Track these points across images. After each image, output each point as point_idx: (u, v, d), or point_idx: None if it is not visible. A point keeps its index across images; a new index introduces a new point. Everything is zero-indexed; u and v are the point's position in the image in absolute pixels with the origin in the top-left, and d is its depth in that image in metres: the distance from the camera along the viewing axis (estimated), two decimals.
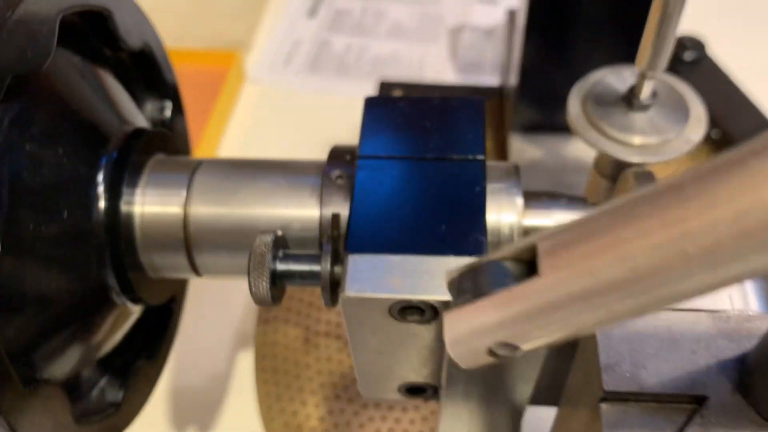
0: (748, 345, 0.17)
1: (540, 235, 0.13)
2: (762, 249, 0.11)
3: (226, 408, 0.43)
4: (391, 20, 0.75)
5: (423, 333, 0.23)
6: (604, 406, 0.17)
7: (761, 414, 0.16)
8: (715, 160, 0.11)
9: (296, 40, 0.73)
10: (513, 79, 0.46)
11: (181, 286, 0.33)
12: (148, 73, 0.32)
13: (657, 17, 0.27)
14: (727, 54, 0.54)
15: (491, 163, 0.25)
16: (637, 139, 0.30)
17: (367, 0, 0.77)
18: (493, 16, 0.72)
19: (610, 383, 0.17)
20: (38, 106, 0.24)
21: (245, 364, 0.44)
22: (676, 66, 0.52)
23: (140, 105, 0.32)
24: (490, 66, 0.67)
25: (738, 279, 0.12)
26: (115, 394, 0.30)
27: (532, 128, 0.46)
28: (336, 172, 0.25)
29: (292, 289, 0.46)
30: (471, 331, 0.14)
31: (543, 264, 0.13)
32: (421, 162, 0.24)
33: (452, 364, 0.18)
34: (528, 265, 0.14)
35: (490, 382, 0.21)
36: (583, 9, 0.42)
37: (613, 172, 0.32)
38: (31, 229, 0.23)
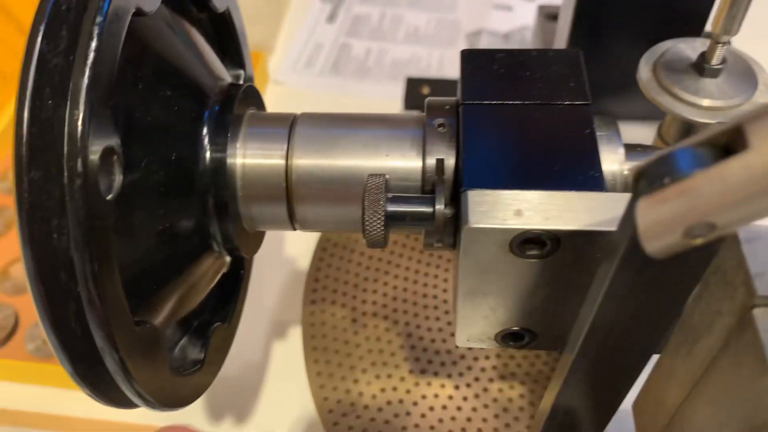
0: None
1: (741, 116, 0.14)
2: None
3: (277, 387, 0.43)
4: (408, 25, 0.76)
5: (537, 270, 0.23)
6: (757, 311, 0.18)
7: None
8: None
9: (317, 44, 0.74)
10: None
11: (257, 247, 0.32)
12: (226, 38, 0.32)
13: None
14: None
15: (596, 114, 0.26)
16: (706, 102, 0.31)
17: (385, 6, 0.79)
18: (510, 21, 0.74)
19: (762, 288, 0.17)
20: (148, 49, 0.24)
21: (293, 344, 0.44)
22: None
23: None
24: None
25: None
26: (196, 354, 0.29)
27: None
28: (438, 120, 0.26)
29: (338, 271, 0.46)
30: (671, 211, 0.14)
31: (753, 138, 0.13)
32: (528, 106, 0.25)
33: (611, 292, 0.18)
34: (721, 150, 0.14)
35: (637, 319, 0.21)
36: (621, 19, 0.44)
37: (679, 140, 0.33)
38: (143, 167, 0.23)
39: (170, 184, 0.24)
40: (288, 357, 0.44)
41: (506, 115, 0.24)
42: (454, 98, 0.27)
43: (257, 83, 0.67)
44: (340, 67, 0.72)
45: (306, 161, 0.26)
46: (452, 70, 0.70)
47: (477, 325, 0.26)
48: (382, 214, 0.23)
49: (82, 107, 0.20)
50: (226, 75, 0.30)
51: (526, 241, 0.22)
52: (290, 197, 0.26)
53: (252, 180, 0.26)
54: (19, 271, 0.48)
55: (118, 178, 0.21)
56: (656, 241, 0.15)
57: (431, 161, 0.25)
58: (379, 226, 0.23)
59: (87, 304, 0.21)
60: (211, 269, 0.28)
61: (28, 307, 0.46)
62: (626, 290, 0.18)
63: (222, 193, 0.26)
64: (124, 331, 0.22)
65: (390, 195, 0.24)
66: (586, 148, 0.23)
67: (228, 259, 0.28)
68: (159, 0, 0.24)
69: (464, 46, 0.73)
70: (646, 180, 0.15)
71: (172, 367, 0.27)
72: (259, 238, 0.30)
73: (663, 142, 0.34)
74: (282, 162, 0.26)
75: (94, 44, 0.20)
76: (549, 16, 0.53)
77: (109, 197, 0.21)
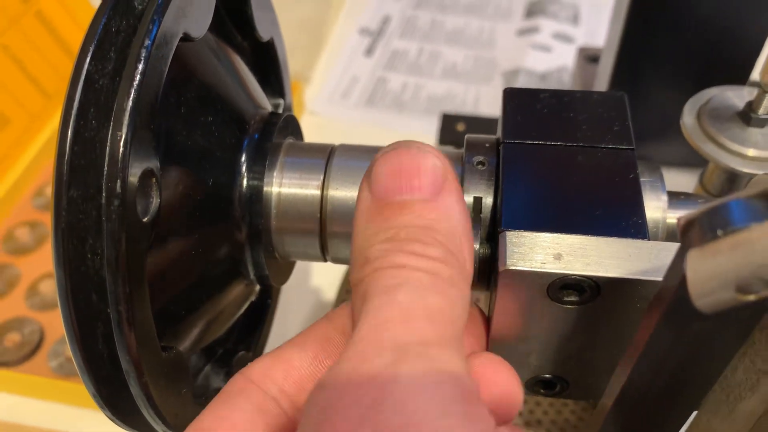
0: None
1: None
2: None
3: None
4: (446, 61, 0.77)
5: (574, 317, 0.22)
6: None
7: None
8: None
9: (354, 76, 0.75)
10: None
11: (287, 277, 0.32)
12: (268, 66, 0.32)
13: None
14: None
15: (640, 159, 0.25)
16: (752, 152, 0.30)
17: (423, 42, 0.79)
18: (548, 62, 0.74)
19: None
20: (192, 74, 0.25)
21: None
22: None
23: None
24: None
25: None
26: (219, 382, 0.29)
27: None
28: (477, 158, 0.25)
29: None
30: (724, 265, 0.13)
31: None
32: (571, 148, 0.24)
33: (652, 345, 0.17)
34: None
35: (678, 374, 0.20)
36: (668, 54, 0.43)
37: (723, 190, 0.33)
38: (180, 190, 0.23)
39: (206, 209, 0.24)
40: None
41: (548, 155, 0.24)
42: (494, 136, 0.27)
43: (293, 112, 0.68)
44: (376, 100, 0.72)
45: (342, 193, 0.26)
46: (488, 107, 0.70)
47: (529, 355, 0.25)
48: None
49: (125, 129, 0.20)
50: (266, 103, 0.30)
51: (565, 287, 0.21)
52: (323, 228, 0.26)
53: (287, 209, 0.26)
54: (49, 287, 0.48)
55: (156, 201, 0.21)
56: (707, 295, 0.14)
57: (469, 199, 0.25)
58: None
59: (116, 327, 0.20)
60: (240, 297, 0.28)
61: (53, 324, 0.46)
62: (669, 343, 0.18)
63: (257, 220, 0.26)
64: (151, 355, 0.22)
65: None
66: (629, 193, 0.23)
67: (257, 287, 0.28)
68: (206, 26, 0.24)
69: (501, 84, 0.73)
70: (698, 231, 0.14)
71: (195, 394, 0.27)
72: (289, 268, 0.30)
73: (704, 190, 0.34)
74: (318, 192, 0.26)
75: (141, 67, 0.20)
76: (589, 58, 0.53)
77: (145, 219, 0.21)
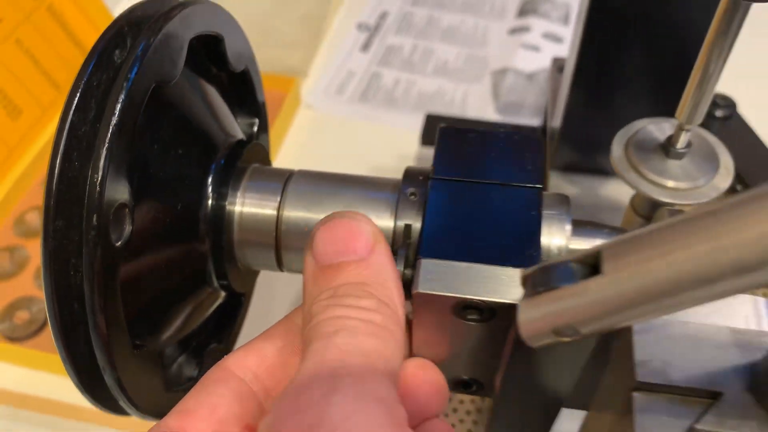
0: (759, 355, 0.21)
1: (603, 244, 0.17)
2: None
3: None
4: (438, 59, 0.80)
5: (479, 331, 0.27)
6: (636, 394, 0.21)
7: (764, 407, 0.20)
8: (743, 194, 0.15)
9: (350, 71, 0.78)
10: (556, 122, 0.51)
11: (252, 283, 0.37)
12: (243, 92, 0.36)
13: (698, 77, 0.31)
14: (757, 115, 0.58)
15: (546, 193, 0.29)
16: (671, 183, 0.34)
17: (418, 39, 0.82)
18: (537, 62, 0.76)
19: (642, 375, 0.21)
20: (166, 113, 0.29)
21: None
22: (707, 121, 0.56)
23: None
24: (530, 108, 0.72)
25: (756, 285, 0.15)
26: (191, 371, 0.34)
27: (571, 168, 0.50)
28: (410, 189, 0.29)
29: None
30: (542, 315, 0.17)
31: (606, 265, 0.17)
32: (487, 186, 0.28)
33: (514, 359, 0.22)
34: (591, 268, 0.18)
35: (539, 380, 0.24)
36: (626, 67, 0.46)
37: (647, 212, 0.36)
38: (150, 217, 0.27)
39: (174, 230, 0.28)
40: None
41: (467, 192, 0.28)
42: (429, 169, 0.30)
43: (289, 107, 0.71)
44: (369, 95, 0.75)
45: (295, 214, 0.30)
46: (473, 108, 0.73)
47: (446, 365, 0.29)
48: None
49: (100, 172, 0.24)
50: (237, 131, 0.34)
51: (467, 308, 0.26)
52: (278, 244, 0.30)
53: (247, 226, 0.30)
54: None
55: (128, 228, 0.26)
56: (531, 336, 0.18)
57: (401, 224, 0.29)
58: None
59: (93, 330, 0.25)
60: (207, 301, 0.32)
61: None
62: (526, 359, 0.22)
63: (220, 237, 0.30)
64: (123, 353, 0.26)
65: None
66: (529, 228, 0.27)
67: (222, 293, 0.33)
68: (179, 71, 0.28)
69: (489, 84, 0.76)
70: (530, 285, 0.18)
71: (168, 382, 0.31)
72: (252, 276, 0.34)
73: (634, 210, 0.37)
74: (274, 213, 0.30)
75: (114, 120, 0.24)
76: (560, 68, 0.56)
77: (118, 244, 0.25)
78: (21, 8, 0.65)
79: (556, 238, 0.28)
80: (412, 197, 0.29)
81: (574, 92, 0.48)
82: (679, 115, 0.33)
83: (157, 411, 0.29)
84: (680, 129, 0.33)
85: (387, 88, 0.76)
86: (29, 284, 0.53)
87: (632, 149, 0.35)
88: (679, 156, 0.34)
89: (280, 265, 0.31)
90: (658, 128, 0.35)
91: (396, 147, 0.70)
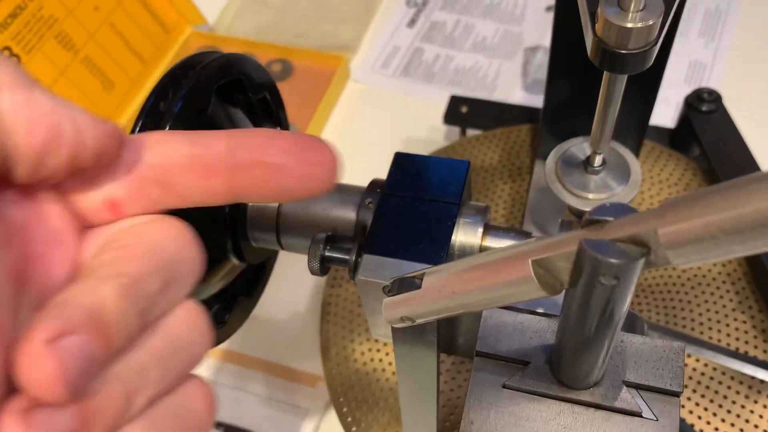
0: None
1: (430, 268, 0.28)
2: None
3: (297, 337, 0.60)
4: (477, 34, 0.87)
5: None
6: (476, 358, 0.31)
7: (555, 376, 0.30)
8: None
9: (395, 46, 0.87)
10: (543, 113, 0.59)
11: (274, 253, 0.49)
12: (266, 110, 0.48)
13: (599, 113, 0.39)
14: (741, 110, 0.64)
15: (472, 203, 0.39)
16: (590, 195, 0.43)
17: (461, 14, 0.89)
18: None
19: (480, 346, 0.31)
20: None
21: (314, 308, 0.61)
22: (692, 114, 0.62)
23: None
24: None
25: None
26: (222, 316, 0.47)
27: None
28: (368, 198, 0.40)
29: None
30: (394, 308, 0.28)
31: (423, 282, 0.27)
32: (419, 201, 0.38)
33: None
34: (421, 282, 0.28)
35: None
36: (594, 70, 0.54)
37: (577, 212, 0.46)
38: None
39: (205, 221, 0.41)
40: (310, 318, 0.61)
41: (403, 205, 0.38)
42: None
43: (338, 82, 0.82)
44: (410, 70, 0.84)
45: (290, 209, 0.42)
46: (504, 84, 0.81)
47: (376, 326, 0.41)
48: (319, 256, 0.38)
49: None
50: None
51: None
52: (278, 229, 0.42)
53: (256, 216, 0.42)
54: None
55: None
56: (390, 320, 0.29)
57: (360, 223, 0.40)
58: (315, 263, 0.39)
59: None
60: (230, 269, 0.45)
61: None
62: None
63: (237, 223, 0.42)
64: None
65: (329, 245, 0.39)
66: (443, 234, 0.37)
67: (240, 263, 0.45)
68: (210, 103, 0.40)
69: (521, 61, 0.83)
70: (388, 290, 0.29)
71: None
72: (264, 251, 0.47)
73: (571, 213, 0.46)
74: (275, 206, 0.42)
75: None
76: None
77: None
78: None
79: (471, 238, 0.39)
80: (370, 205, 0.40)
81: (551, 81, 0.56)
82: (592, 142, 0.41)
83: None
84: (594, 152, 0.42)
85: (427, 63, 0.85)
86: None
87: (560, 164, 0.44)
88: (597, 172, 0.43)
89: (280, 245, 0.43)
90: (580, 149, 0.44)
91: (429, 119, 0.79)
